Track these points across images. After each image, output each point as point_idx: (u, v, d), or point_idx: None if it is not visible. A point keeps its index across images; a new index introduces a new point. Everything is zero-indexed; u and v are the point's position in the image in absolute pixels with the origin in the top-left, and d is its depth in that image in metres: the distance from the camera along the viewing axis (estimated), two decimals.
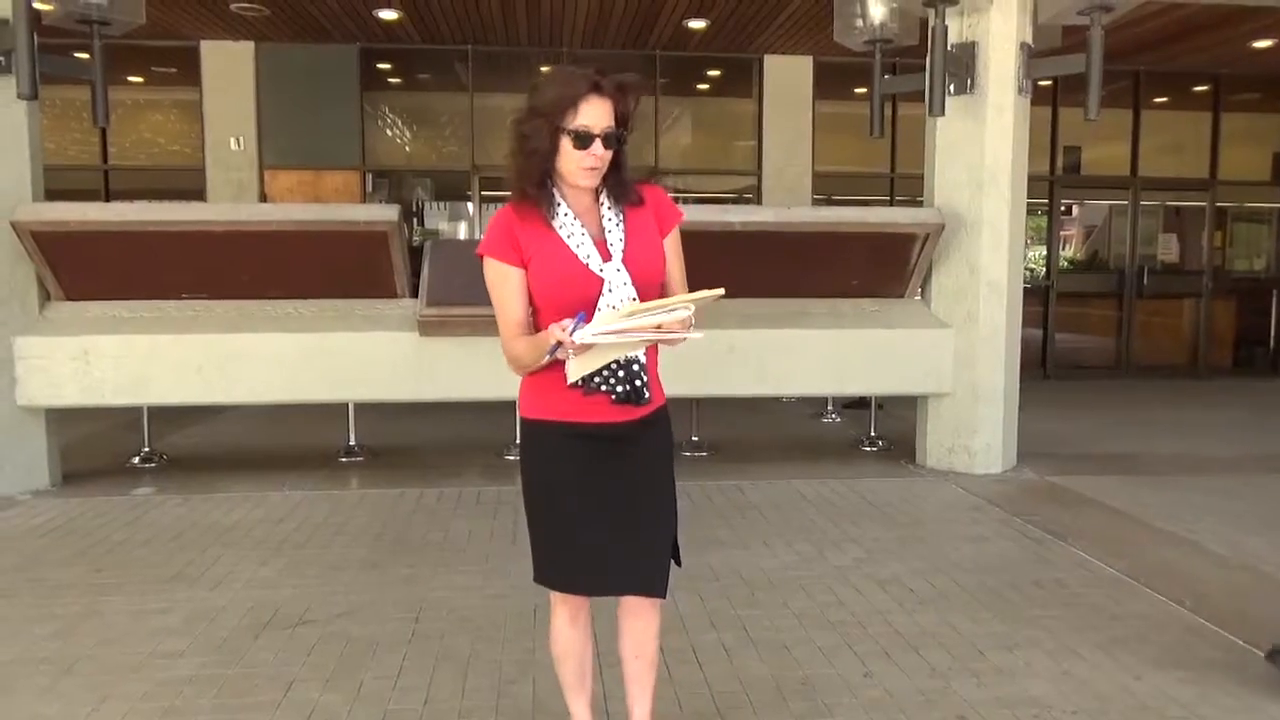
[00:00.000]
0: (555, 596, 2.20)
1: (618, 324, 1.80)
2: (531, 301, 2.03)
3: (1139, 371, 10.41)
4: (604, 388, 2.01)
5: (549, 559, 2.14)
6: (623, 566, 2.10)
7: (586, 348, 1.83)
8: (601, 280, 1.97)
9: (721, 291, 1.83)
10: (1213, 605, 3.48)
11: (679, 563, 2.21)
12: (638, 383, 2.03)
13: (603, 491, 2.08)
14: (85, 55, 5.11)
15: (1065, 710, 2.72)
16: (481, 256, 2.05)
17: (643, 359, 2.04)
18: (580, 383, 2.00)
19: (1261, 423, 7.68)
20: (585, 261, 1.98)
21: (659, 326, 1.82)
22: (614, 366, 2.00)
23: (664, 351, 2.16)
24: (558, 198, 2.02)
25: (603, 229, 2.03)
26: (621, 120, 1.98)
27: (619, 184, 2.05)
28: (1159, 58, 9.65)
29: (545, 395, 2.07)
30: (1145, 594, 3.63)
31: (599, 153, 1.96)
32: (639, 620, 2.22)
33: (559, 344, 1.83)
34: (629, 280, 1.99)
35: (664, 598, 2.15)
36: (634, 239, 2.04)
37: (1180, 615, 3.42)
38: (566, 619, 2.22)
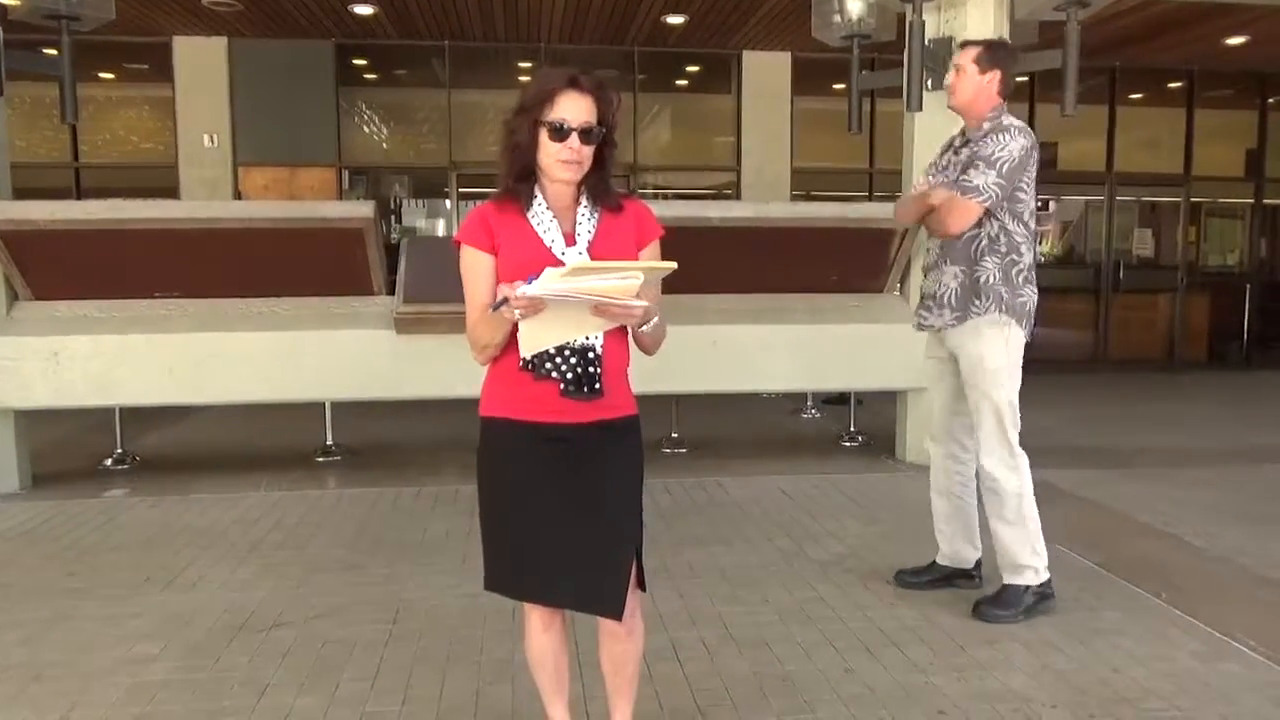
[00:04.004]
0: (526, 602, 2.18)
1: (564, 283, 1.77)
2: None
3: (1115, 365, 10.50)
4: (554, 374, 1.99)
5: (499, 564, 2.11)
6: (574, 580, 2.06)
7: (535, 306, 1.79)
8: (562, 264, 1.94)
9: (674, 265, 1.83)
10: (1189, 597, 3.50)
11: (643, 587, 2.16)
12: (591, 369, 2.00)
13: (558, 499, 2.04)
14: (54, 51, 5.02)
15: (1044, 704, 2.72)
16: (458, 245, 2.06)
17: (598, 349, 2.01)
18: (531, 365, 1.98)
19: (1236, 416, 7.76)
20: (549, 245, 2.00)
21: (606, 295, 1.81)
22: (566, 352, 1.98)
23: (640, 351, 2.14)
24: (536, 192, 2.04)
25: (575, 224, 2.05)
26: (602, 120, 1.99)
27: (599, 184, 2.06)
28: (1134, 54, 9.74)
29: (503, 390, 2.05)
30: (1122, 587, 3.65)
31: (575, 146, 1.97)
32: (617, 643, 2.19)
33: (505, 300, 1.80)
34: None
35: (619, 619, 2.06)
36: (603, 236, 2.05)
37: (1157, 608, 3.44)
38: (540, 624, 2.19)
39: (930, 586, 3.61)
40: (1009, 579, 3.39)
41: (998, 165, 3.21)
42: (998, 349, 3.34)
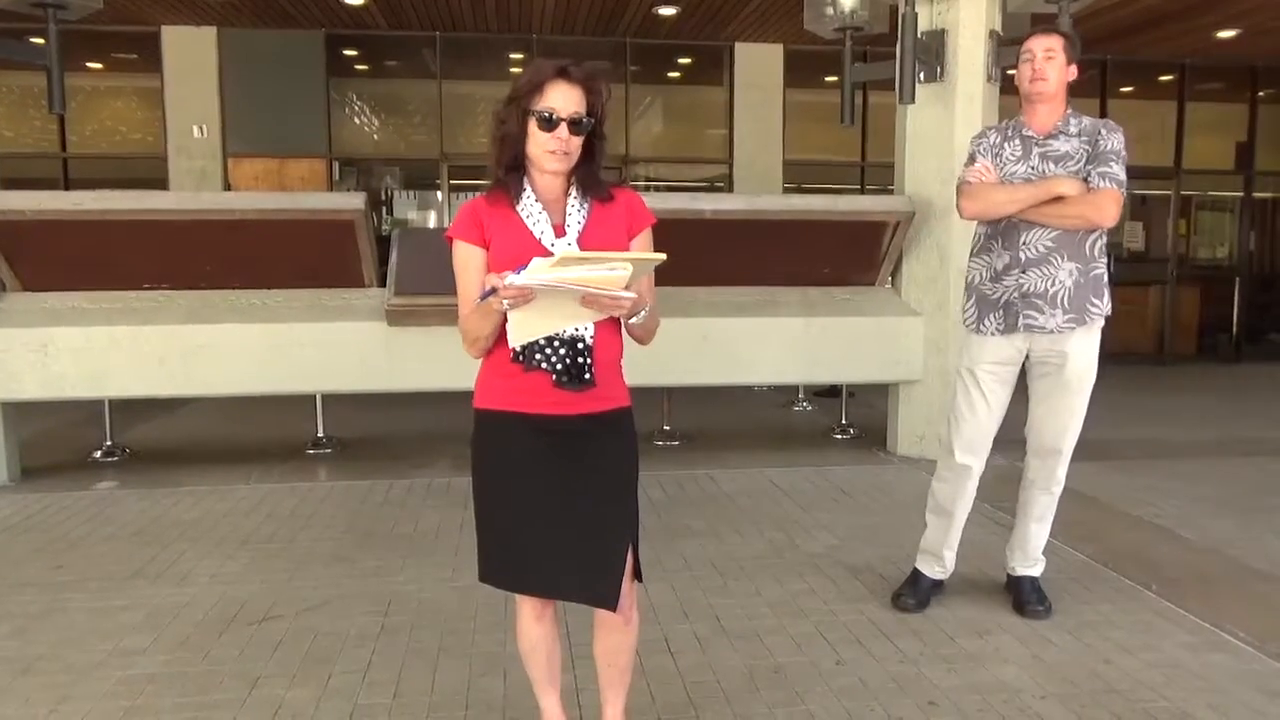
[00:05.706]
0: (519, 594, 2.17)
1: (552, 273, 1.76)
2: None
3: (1105, 358, 10.43)
4: (544, 365, 1.99)
5: (493, 556, 2.11)
6: (569, 572, 2.05)
7: (523, 296, 1.79)
8: (551, 255, 1.92)
9: (663, 257, 1.82)
10: (1180, 589, 3.52)
11: (639, 577, 2.16)
12: (580, 360, 2.00)
13: (552, 491, 2.04)
14: (41, 40, 4.98)
15: (1035, 695, 2.73)
16: (450, 240, 2.06)
17: (589, 339, 2.01)
18: (521, 356, 1.98)
19: (1226, 408, 7.79)
20: (538, 237, 2.00)
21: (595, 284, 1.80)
22: (556, 343, 1.98)
23: (633, 343, 2.14)
24: (526, 183, 2.04)
25: (565, 216, 2.04)
26: (591, 111, 1.99)
27: (589, 175, 2.06)
28: (1125, 47, 9.75)
29: (497, 382, 2.05)
30: (1113, 579, 3.66)
31: (564, 136, 1.97)
32: (613, 634, 2.19)
33: (493, 290, 1.80)
34: None
35: (614, 610, 2.06)
36: (594, 227, 2.04)
37: (1148, 599, 3.45)
38: (532, 616, 2.19)
39: (932, 596, 3.43)
40: (1032, 571, 3.40)
41: (1124, 162, 3.10)
42: (1097, 353, 3.30)
